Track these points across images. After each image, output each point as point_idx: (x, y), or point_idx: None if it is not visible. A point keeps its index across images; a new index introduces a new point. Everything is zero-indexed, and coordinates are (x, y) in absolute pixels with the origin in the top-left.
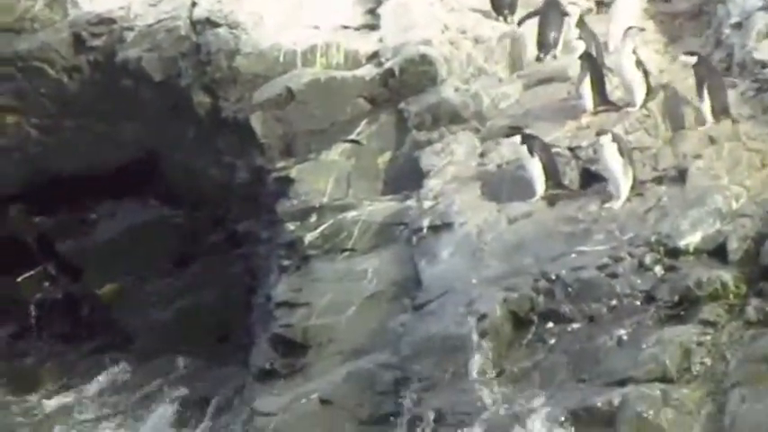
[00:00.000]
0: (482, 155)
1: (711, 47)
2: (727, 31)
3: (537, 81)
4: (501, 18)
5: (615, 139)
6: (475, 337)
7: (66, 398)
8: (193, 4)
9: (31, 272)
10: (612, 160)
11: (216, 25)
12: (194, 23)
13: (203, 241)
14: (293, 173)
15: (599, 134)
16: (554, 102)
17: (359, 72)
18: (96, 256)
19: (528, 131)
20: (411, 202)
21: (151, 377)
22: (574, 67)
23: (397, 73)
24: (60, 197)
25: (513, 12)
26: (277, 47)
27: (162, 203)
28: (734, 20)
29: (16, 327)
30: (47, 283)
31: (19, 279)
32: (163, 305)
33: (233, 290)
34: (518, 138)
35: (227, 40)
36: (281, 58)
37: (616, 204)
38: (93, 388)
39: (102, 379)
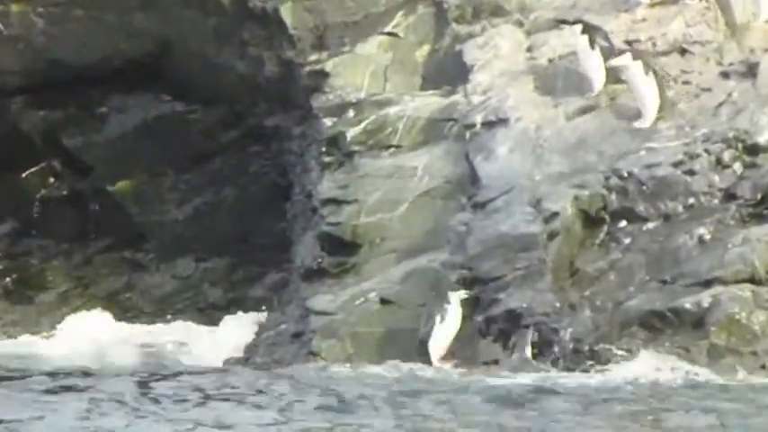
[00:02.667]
0: (529, 49)
1: None
2: None
3: None
4: None
5: (637, 55)
6: (546, 235)
7: (77, 298)
8: None
9: (36, 168)
10: (637, 80)
11: None
12: None
13: (221, 138)
14: (328, 66)
15: (618, 54)
16: None
17: None
18: (106, 151)
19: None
20: (458, 97)
21: (170, 278)
22: None
23: None
24: (67, 90)
25: None
26: None
27: (175, 98)
28: None
29: (19, 224)
30: (52, 180)
31: (23, 175)
32: (179, 203)
33: (254, 188)
34: (578, 28)
35: None
36: None
37: (644, 123)
38: (106, 288)
39: (115, 280)
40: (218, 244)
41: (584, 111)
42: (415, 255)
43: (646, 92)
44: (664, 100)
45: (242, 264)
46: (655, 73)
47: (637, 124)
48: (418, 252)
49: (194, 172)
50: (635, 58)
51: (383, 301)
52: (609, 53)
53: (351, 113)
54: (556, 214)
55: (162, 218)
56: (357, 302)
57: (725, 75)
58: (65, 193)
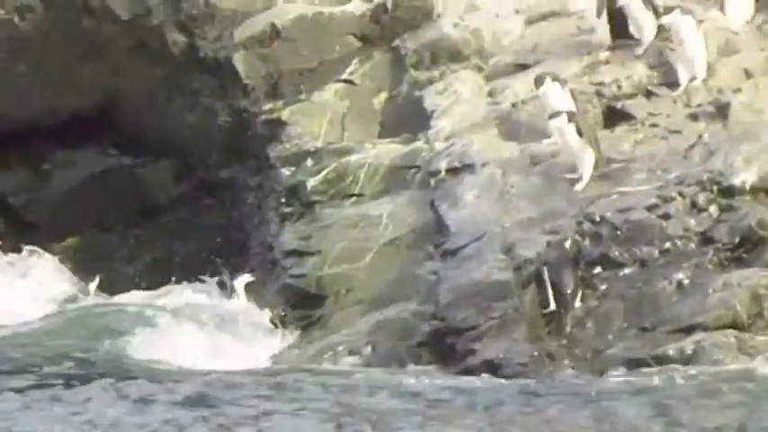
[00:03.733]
0: (491, 94)
1: None
2: None
3: (539, 16)
4: None
5: (571, 118)
6: (520, 283)
7: None
8: None
9: None
10: (571, 141)
11: None
12: None
13: (171, 191)
14: (285, 115)
15: (552, 117)
16: (563, 36)
17: (348, 7)
18: (52, 208)
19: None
20: (420, 144)
21: None
22: (576, 0)
23: (389, 8)
24: (11, 146)
25: None
26: None
27: (122, 152)
28: None
29: None
30: None
31: None
32: (129, 259)
33: (206, 241)
34: (549, 80)
35: None
36: None
37: (579, 186)
38: None
39: None
40: None
41: (552, 155)
42: (383, 306)
43: (579, 153)
44: (598, 158)
45: None
46: (585, 133)
47: (573, 186)
48: (386, 303)
49: (144, 226)
50: (571, 120)
51: (352, 354)
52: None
53: (309, 162)
54: (529, 261)
55: (112, 274)
56: (325, 356)
57: (693, 116)
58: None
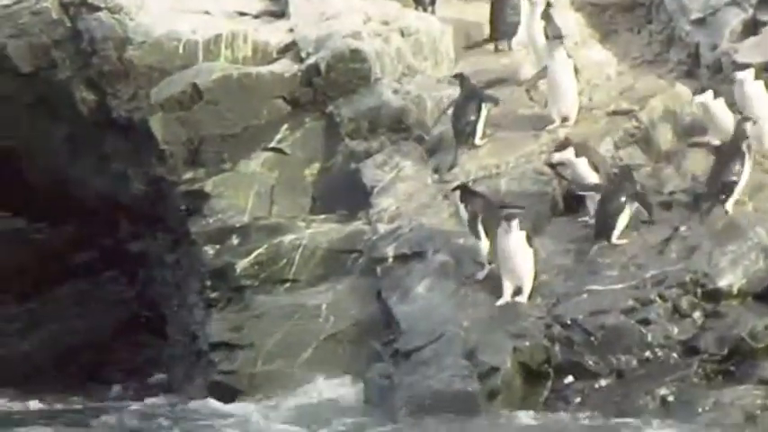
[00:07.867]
0: (437, 170)
1: (661, 45)
2: (686, 27)
3: (485, 83)
4: (421, 8)
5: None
6: (485, 394)
7: None
8: None
9: None
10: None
11: (94, 9)
12: (64, 6)
13: (70, 261)
14: (207, 186)
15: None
16: (515, 108)
17: (276, 68)
18: None
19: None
20: (360, 224)
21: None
22: (526, 66)
23: (322, 70)
24: None
25: (433, 2)
26: (174, 36)
27: (16, 215)
28: (695, 15)
29: None
30: None
31: None
32: (21, 334)
33: (108, 319)
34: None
35: (111, 26)
36: (181, 50)
37: (520, 298)
38: None
39: None
40: (65, 381)
41: None
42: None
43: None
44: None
45: (89, 404)
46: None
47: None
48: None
49: (37, 300)
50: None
51: None
52: None
53: (235, 240)
54: (496, 369)
55: (6, 352)
56: None
57: (666, 205)
58: None
